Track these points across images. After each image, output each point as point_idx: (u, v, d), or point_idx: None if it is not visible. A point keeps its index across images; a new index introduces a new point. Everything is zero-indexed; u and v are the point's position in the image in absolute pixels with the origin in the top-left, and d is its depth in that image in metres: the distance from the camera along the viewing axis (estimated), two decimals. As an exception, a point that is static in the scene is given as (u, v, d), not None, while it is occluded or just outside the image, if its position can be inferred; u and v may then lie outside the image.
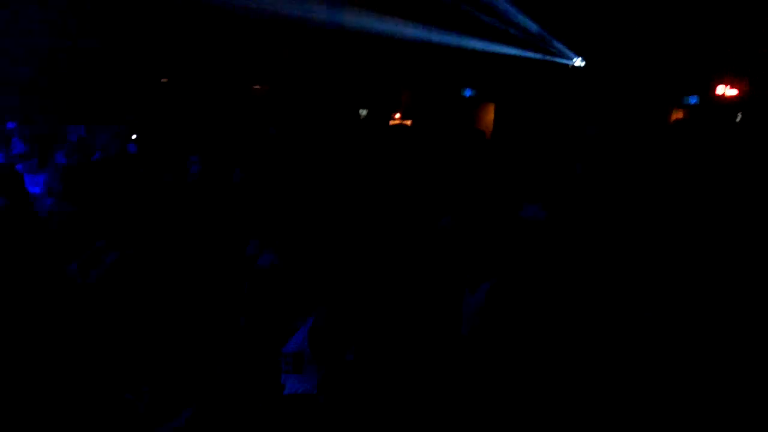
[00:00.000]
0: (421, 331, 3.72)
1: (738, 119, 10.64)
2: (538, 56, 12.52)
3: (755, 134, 9.91)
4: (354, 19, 11.59)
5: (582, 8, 11.89)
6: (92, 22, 11.20)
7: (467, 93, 13.38)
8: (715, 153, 9.55)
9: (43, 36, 10.67)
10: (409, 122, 13.17)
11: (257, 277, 3.94)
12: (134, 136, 8.60)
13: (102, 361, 3.23)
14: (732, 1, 10.81)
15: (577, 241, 5.54)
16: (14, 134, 7.22)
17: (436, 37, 12.30)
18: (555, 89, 12.35)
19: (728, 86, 10.98)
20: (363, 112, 13.52)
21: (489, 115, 13.89)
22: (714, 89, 11.11)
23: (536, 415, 3.07)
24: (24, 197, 4.79)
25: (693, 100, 11.49)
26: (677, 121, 11.48)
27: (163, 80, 12.93)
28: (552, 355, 3.52)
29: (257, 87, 14.11)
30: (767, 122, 10.00)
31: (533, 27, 12.31)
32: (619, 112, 11.49)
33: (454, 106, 13.41)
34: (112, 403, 2.83)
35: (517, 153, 9.30)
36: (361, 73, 13.25)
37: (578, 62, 12.47)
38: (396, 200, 6.59)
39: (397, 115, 13.59)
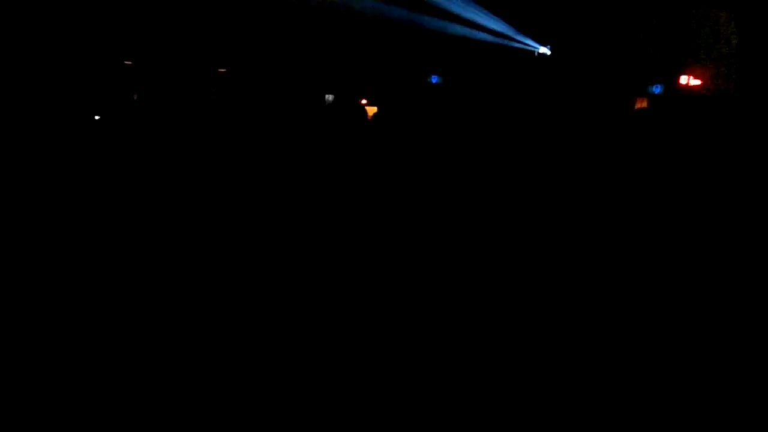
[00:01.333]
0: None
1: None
2: (505, 43, 12.48)
3: (719, 124, 9.98)
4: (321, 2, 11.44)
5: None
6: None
7: (434, 79, 13.31)
8: (678, 141, 9.61)
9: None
10: (375, 108, 13.06)
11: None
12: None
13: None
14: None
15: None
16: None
17: (403, 21, 12.19)
18: (522, 76, 12.34)
19: (692, 76, 11.05)
20: (329, 98, 13.38)
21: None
22: (678, 79, 11.18)
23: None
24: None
25: (657, 89, 11.54)
26: (641, 109, 11.53)
27: (127, 63, 12.71)
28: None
29: (223, 70, 13.91)
30: (730, 112, 10.07)
31: (500, 15, 12.27)
32: (584, 100, 11.51)
33: (420, 92, 13.33)
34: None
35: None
36: (328, 58, 13.11)
37: (544, 50, 12.47)
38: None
39: (363, 101, 13.48)
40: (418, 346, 3.58)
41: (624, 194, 7.25)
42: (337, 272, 4.71)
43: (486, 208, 6.52)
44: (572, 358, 3.41)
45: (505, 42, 12.59)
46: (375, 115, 12.70)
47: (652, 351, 3.48)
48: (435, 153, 9.38)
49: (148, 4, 11.70)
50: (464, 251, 5.22)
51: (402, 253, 5.05)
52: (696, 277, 4.69)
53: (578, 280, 4.59)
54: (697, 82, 11.00)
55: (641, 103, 11.88)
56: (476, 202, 6.77)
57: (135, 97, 11.61)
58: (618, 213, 6.42)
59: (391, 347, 3.54)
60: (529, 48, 12.61)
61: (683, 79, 11.07)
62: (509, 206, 6.60)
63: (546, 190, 7.38)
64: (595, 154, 9.32)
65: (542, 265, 4.94)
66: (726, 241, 5.51)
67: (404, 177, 8.02)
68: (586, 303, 4.20)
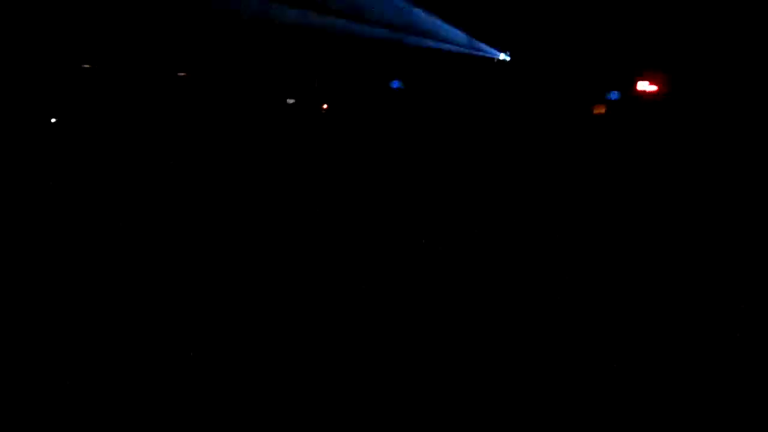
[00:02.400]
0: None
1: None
2: (465, 50, 12.55)
3: (675, 129, 10.20)
4: (279, 5, 11.35)
5: (507, 4, 12.01)
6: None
7: (395, 85, 13.30)
8: (636, 146, 9.80)
9: None
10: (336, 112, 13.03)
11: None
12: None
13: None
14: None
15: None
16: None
17: (363, 27, 12.17)
18: (482, 82, 12.43)
19: (649, 82, 11.25)
20: (291, 101, 13.29)
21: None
22: (635, 85, 11.37)
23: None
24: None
25: (615, 95, 11.71)
26: (599, 115, 11.71)
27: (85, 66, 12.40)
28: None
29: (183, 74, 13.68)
30: (688, 117, 10.29)
31: (460, 22, 12.34)
32: (543, 106, 11.66)
33: (381, 97, 13.32)
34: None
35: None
36: (289, 62, 13.02)
37: (503, 57, 12.57)
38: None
39: (325, 106, 13.42)
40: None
41: (585, 196, 7.33)
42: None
43: (447, 211, 6.53)
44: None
45: (466, 50, 12.66)
46: (333, 117, 12.69)
47: (635, 353, 3.47)
48: (398, 156, 9.37)
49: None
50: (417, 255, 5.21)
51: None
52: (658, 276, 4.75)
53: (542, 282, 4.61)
54: (654, 88, 11.21)
55: (599, 110, 12.05)
56: (439, 206, 6.77)
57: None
58: (579, 214, 6.49)
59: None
60: (490, 55, 12.71)
61: (640, 85, 11.26)
62: (471, 210, 6.63)
63: (510, 193, 7.43)
64: (558, 157, 9.44)
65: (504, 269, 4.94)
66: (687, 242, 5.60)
67: (368, 180, 7.99)
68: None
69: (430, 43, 12.54)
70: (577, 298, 4.18)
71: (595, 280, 4.59)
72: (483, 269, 4.78)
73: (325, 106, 13.58)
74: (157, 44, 12.24)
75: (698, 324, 3.80)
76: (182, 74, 13.83)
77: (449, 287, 4.35)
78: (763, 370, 3.22)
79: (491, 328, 3.73)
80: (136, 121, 10.57)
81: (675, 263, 4.91)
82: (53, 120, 10.01)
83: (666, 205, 6.92)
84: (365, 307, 3.98)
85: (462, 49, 12.59)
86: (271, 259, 4.91)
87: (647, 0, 11.16)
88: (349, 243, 5.40)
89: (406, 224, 5.99)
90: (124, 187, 7.15)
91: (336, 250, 5.18)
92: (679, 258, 5.06)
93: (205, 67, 13.18)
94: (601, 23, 11.58)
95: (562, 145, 10.65)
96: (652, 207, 6.83)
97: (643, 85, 11.32)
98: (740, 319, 3.84)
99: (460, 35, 12.43)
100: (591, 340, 3.59)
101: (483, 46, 12.55)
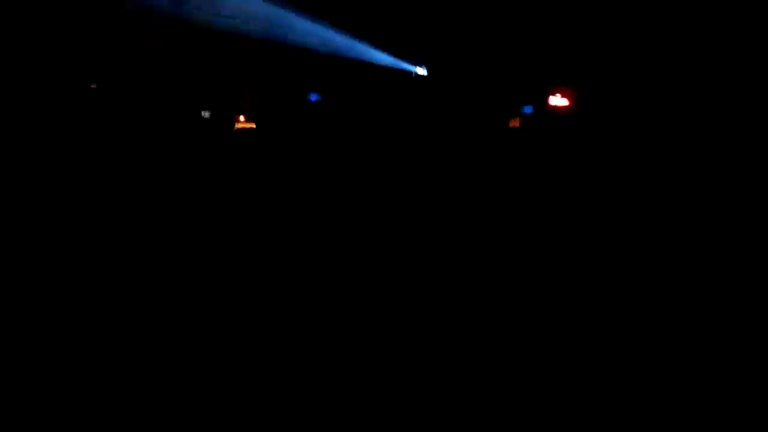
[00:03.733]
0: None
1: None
2: (383, 63, 12.62)
3: (586, 140, 10.53)
4: (196, 12, 11.14)
5: (425, 17, 12.20)
6: None
7: (313, 98, 13.25)
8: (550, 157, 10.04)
9: None
10: (253, 125, 12.83)
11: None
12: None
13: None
14: (562, 18, 11.48)
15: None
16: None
17: (283, 37, 12.09)
18: (400, 96, 12.53)
19: (561, 96, 11.61)
20: (206, 114, 13.00)
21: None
22: (548, 100, 11.70)
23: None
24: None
25: (528, 109, 12.02)
26: (513, 128, 11.98)
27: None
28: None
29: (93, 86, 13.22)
30: (597, 129, 10.64)
31: (377, 34, 12.41)
32: (461, 120, 11.85)
33: (300, 109, 13.24)
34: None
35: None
36: (203, 73, 12.77)
37: (420, 71, 12.72)
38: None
39: (242, 118, 13.20)
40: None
41: (503, 206, 7.43)
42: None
43: (360, 224, 6.51)
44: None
45: (384, 64, 12.74)
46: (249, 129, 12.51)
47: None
48: (312, 169, 9.28)
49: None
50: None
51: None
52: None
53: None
54: (565, 102, 11.55)
55: (514, 123, 12.33)
56: (355, 218, 6.74)
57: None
58: (496, 224, 6.55)
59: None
60: (407, 69, 12.83)
61: (552, 100, 11.59)
62: (387, 222, 6.61)
63: (429, 205, 7.45)
64: (476, 168, 9.56)
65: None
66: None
67: (283, 194, 7.87)
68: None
69: (349, 56, 12.57)
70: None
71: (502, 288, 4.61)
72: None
73: (242, 118, 13.36)
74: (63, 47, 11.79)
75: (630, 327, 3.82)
76: (93, 86, 13.38)
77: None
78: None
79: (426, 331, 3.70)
80: (38, 131, 10.09)
81: (585, 274, 4.98)
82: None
83: (577, 212, 7.07)
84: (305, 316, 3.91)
85: (380, 63, 12.66)
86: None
87: (558, 19, 11.54)
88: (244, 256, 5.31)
89: (321, 238, 5.93)
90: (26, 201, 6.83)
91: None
92: (589, 268, 5.15)
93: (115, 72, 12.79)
94: (515, 40, 11.89)
95: (480, 157, 10.81)
96: (564, 215, 6.96)
97: (555, 100, 11.66)
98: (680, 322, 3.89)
99: (377, 50, 12.50)
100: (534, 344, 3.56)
101: (400, 60, 12.66)
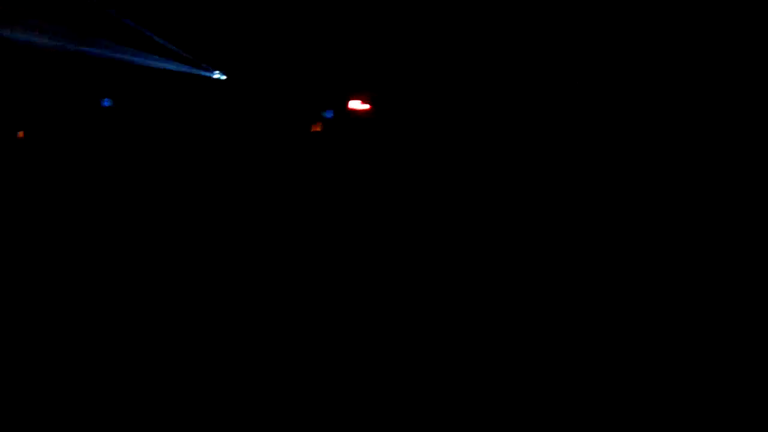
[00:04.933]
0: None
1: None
2: (180, 69, 12.22)
3: (386, 145, 10.94)
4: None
5: (222, 23, 12.00)
6: None
7: (105, 103, 12.50)
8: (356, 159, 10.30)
9: None
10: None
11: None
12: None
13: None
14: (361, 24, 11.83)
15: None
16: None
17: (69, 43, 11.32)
18: (198, 101, 12.21)
19: (360, 102, 11.94)
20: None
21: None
22: (347, 104, 11.98)
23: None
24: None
25: (329, 114, 12.21)
26: (315, 132, 12.13)
27: None
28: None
29: None
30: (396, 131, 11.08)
31: (173, 39, 12.00)
32: (263, 124, 11.79)
33: (91, 116, 12.43)
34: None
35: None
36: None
37: (218, 76, 12.48)
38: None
39: (21, 134, 12.15)
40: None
41: (309, 209, 7.49)
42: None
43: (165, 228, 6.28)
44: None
45: (181, 68, 12.35)
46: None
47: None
48: (106, 178, 8.81)
49: None
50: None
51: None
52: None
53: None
54: (366, 106, 11.90)
55: (316, 127, 12.47)
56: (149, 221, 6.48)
57: None
58: (306, 225, 6.59)
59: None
60: (204, 74, 12.53)
61: (352, 104, 11.88)
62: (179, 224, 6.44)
63: (233, 211, 7.33)
64: (282, 172, 9.57)
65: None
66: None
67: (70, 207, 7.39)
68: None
69: (143, 61, 12.03)
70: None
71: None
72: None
73: (20, 134, 12.29)
74: None
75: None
76: None
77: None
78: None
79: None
80: None
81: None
82: None
83: (385, 212, 7.30)
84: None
85: (177, 68, 12.24)
86: None
87: (356, 31, 11.87)
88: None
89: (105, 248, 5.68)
90: None
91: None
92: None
93: None
94: (314, 46, 12.05)
95: (285, 161, 10.83)
96: (371, 215, 7.15)
97: (355, 104, 11.97)
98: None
99: (174, 53, 12.09)
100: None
101: (199, 64, 12.35)
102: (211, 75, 12.43)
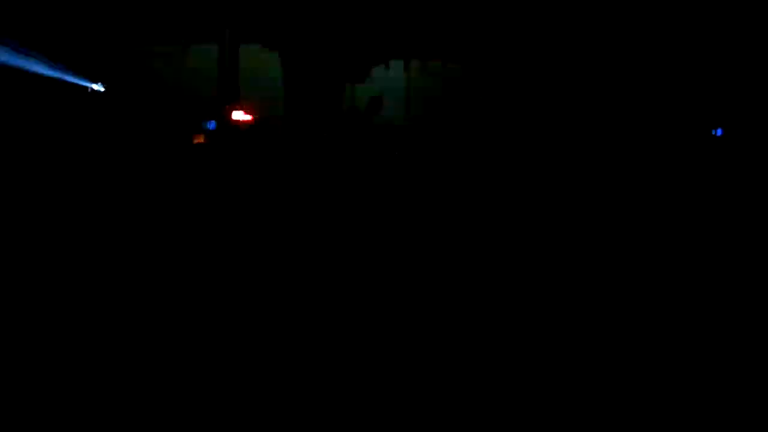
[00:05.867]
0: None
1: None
2: (57, 77, 12.03)
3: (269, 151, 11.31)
4: None
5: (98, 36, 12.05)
6: None
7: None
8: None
9: None
10: None
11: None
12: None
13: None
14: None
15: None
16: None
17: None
18: (76, 111, 12.08)
19: (243, 112, 12.31)
20: None
21: None
22: (230, 114, 12.31)
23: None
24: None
25: (212, 125, 12.46)
26: (199, 144, 12.31)
27: None
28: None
29: None
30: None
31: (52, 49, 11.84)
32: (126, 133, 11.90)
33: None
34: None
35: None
36: None
37: (97, 87, 12.43)
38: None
39: None
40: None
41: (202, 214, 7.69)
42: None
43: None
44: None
45: (57, 78, 12.16)
46: None
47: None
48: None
49: None
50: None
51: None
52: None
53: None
54: (248, 117, 12.28)
55: (199, 139, 12.63)
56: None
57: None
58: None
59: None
60: (82, 84, 12.40)
61: (235, 114, 12.22)
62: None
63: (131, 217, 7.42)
64: (168, 183, 9.70)
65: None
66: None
67: None
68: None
69: (16, 66, 11.71)
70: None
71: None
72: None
73: None
74: None
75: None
76: None
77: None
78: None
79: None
80: None
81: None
82: None
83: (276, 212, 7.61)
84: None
85: (53, 77, 12.03)
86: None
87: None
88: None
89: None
90: None
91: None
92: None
93: None
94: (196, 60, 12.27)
95: (172, 171, 10.91)
96: (262, 215, 7.46)
97: (238, 115, 12.31)
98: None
99: (49, 64, 11.88)
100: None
101: (76, 76, 12.21)
102: (89, 86, 12.32)
